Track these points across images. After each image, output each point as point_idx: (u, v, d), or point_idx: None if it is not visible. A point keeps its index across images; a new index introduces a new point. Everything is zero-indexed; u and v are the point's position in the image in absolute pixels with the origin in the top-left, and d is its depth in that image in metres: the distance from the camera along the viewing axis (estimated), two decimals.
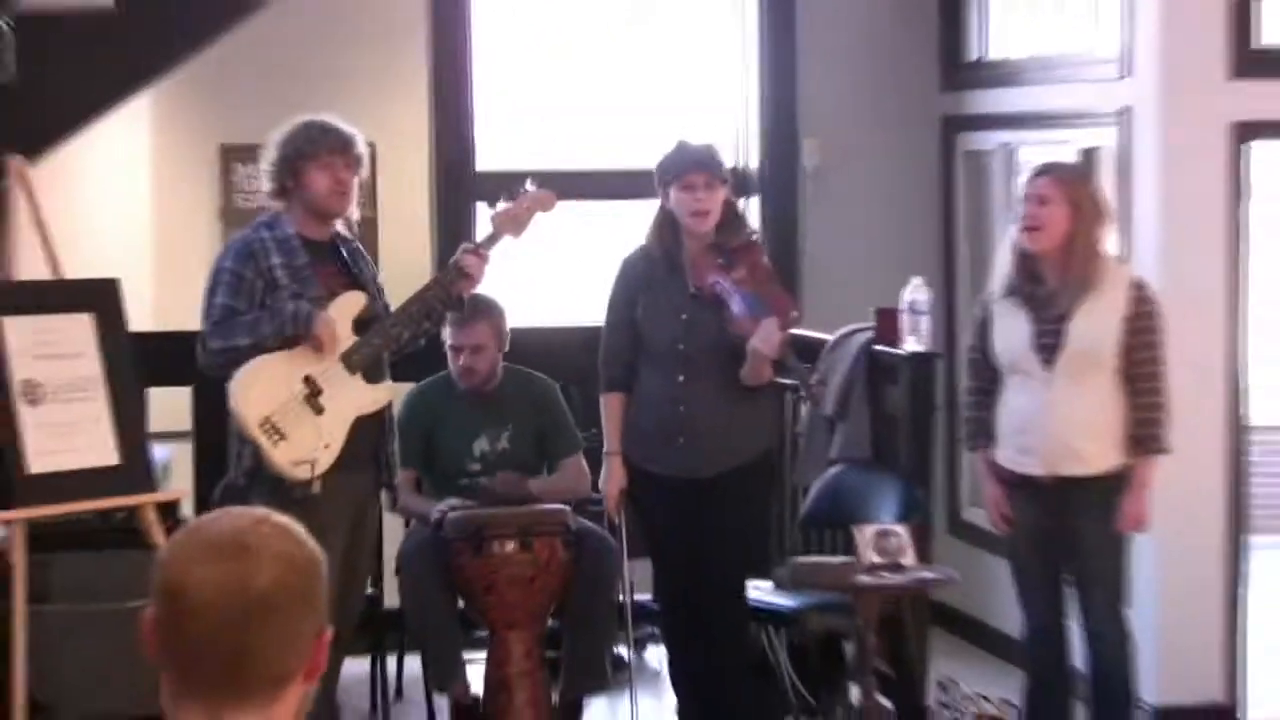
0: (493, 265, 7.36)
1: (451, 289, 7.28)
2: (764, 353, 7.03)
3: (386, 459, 7.37)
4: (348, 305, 7.11)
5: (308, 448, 6.89)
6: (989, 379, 7.44)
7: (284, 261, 7.01)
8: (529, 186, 7.43)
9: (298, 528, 2.65)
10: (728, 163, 7.73)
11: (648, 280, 7.40)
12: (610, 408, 7.50)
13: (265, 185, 7.20)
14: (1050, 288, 7.21)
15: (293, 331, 6.92)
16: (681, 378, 7.30)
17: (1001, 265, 7.40)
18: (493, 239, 7.32)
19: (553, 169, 9.51)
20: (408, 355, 7.45)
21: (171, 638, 2.58)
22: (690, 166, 7.24)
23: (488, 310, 7.94)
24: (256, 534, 2.59)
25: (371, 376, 7.14)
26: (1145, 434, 7.17)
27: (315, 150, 7.08)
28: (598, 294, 7.67)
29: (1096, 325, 7.16)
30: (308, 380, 6.95)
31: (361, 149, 7.19)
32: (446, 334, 7.91)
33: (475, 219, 9.62)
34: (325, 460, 6.91)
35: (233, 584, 2.54)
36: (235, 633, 2.55)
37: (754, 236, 7.60)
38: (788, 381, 7.40)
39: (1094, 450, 7.21)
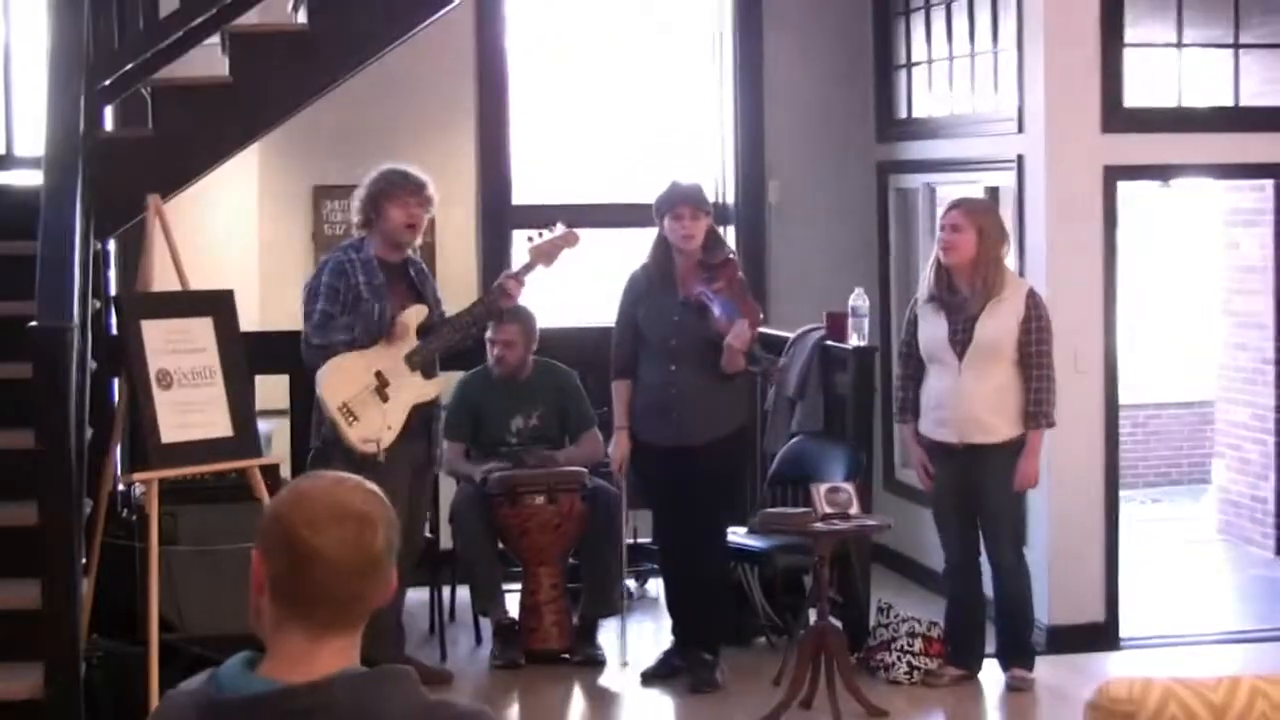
0: (527, 288, 7.47)
1: (494, 306, 7.45)
2: (736, 347, 7.07)
3: (435, 434, 7.47)
4: (412, 316, 7.21)
5: (375, 428, 7.03)
6: (915, 366, 7.45)
7: (366, 280, 7.13)
8: (560, 227, 7.45)
9: (382, 492, 2.62)
10: (710, 198, 7.72)
11: (647, 291, 7.40)
12: (619, 392, 7.48)
13: (354, 216, 7.26)
14: (963, 295, 7.21)
15: (377, 331, 7.05)
16: (673, 367, 7.29)
17: (925, 279, 7.41)
18: (528, 268, 7.43)
19: (572, 203, 9.49)
20: (455, 354, 7.52)
21: (296, 585, 2.54)
22: (679, 201, 7.27)
23: (520, 316, 7.92)
24: (368, 503, 2.56)
25: (427, 374, 7.28)
26: (1037, 411, 7.19)
27: (395, 191, 7.18)
28: (608, 302, 7.68)
29: (998, 326, 7.17)
30: (378, 375, 7.10)
31: (432, 192, 7.28)
32: (487, 330, 7.91)
33: (512, 243, 9.58)
34: (387, 439, 7.06)
35: (357, 547, 2.52)
36: (355, 582, 2.54)
37: (731, 255, 7.60)
38: (756, 370, 7.38)
39: (996, 423, 7.22)
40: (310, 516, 2.54)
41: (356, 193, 7.28)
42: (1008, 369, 7.20)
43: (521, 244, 7.65)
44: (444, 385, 7.53)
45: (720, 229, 9.63)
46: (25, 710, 5.61)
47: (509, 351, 7.97)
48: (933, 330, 7.31)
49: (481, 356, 8.05)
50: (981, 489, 7.27)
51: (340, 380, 7.03)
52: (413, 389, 7.18)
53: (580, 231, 7.54)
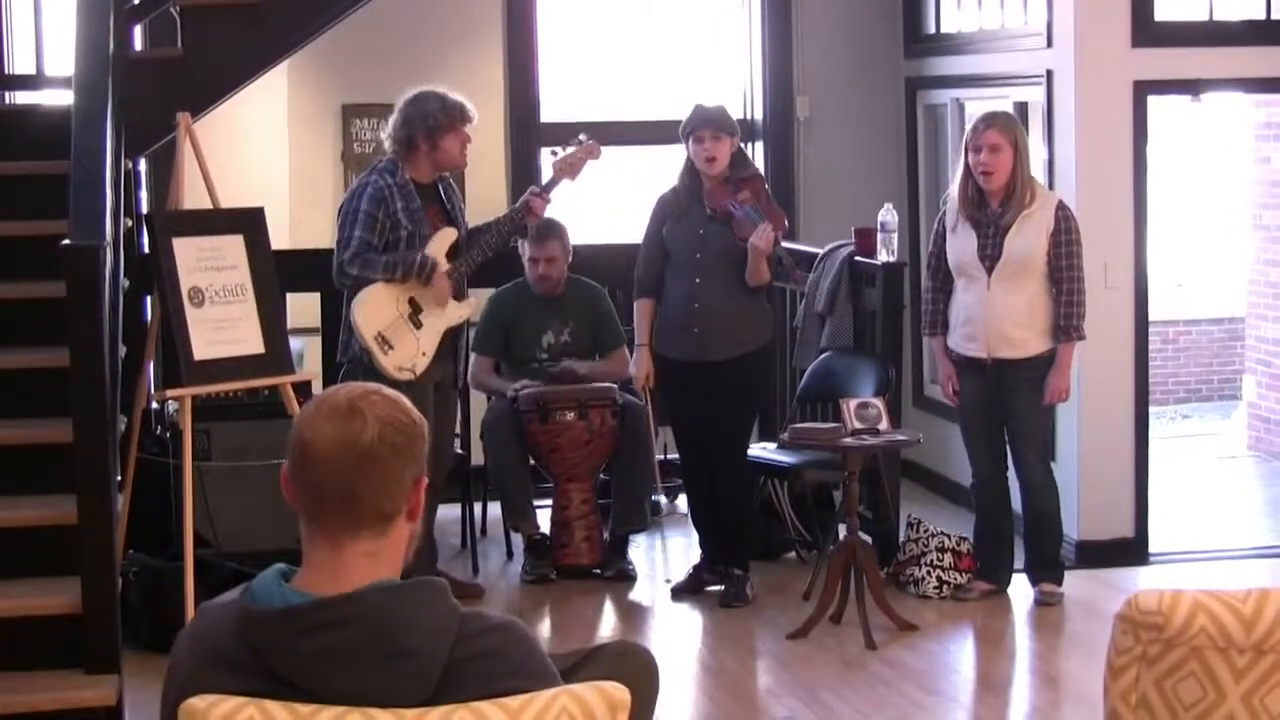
0: (553, 203, 7.46)
1: (520, 222, 7.45)
2: (760, 248, 7.08)
3: (459, 350, 7.51)
4: (443, 240, 7.24)
5: (409, 356, 7.10)
6: (943, 280, 7.43)
7: (404, 206, 7.12)
8: (581, 139, 7.47)
9: (402, 397, 2.68)
10: (736, 115, 7.69)
11: (675, 209, 7.40)
12: (641, 310, 7.50)
13: (395, 140, 7.22)
14: (993, 210, 7.18)
15: (417, 278, 7.07)
16: (698, 280, 7.31)
17: (952, 192, 7.36)
18: (553, 183, 7.45)
19: (600, 120, 9.46)
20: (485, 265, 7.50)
21: (299, 483, 2.62)
22: (700, 124, 7.27)
23: (558, 231, 7.93)
24: (367, 401, 2.62)
25: (458, 296, 7.30)
26: (1067, 324, 7.17)
27: (452, 121, 7.20)
28: (637, 219, 7.66)
29: (1028, 240, 7.15)
30: (411, 301, 7.15)
31: (475, 116, 7.22)
32: (525, 249, 7.90)
33: (539, 160, 9.55)
34: (421, 365, 7.13)
35: (344, 439, 2.57)
36: (346, 477, 2.58)
37: (758, 170, 7.58)
38: (781, 276, 7.38)
39: (1025, 337, 7.22)
40: (309, 416, 2.62)
41: (394, 118, 7.23)
42: (1037, 283, 7.18)
43: (548, 161, 7.64)
44: (475, 306, 7.55)
45: (749, 145, 9.73)
46: (63, 623, 5.65)
47: (551, 268, 7.96)
48: (962, 244, 7.28)
49: (511, 271, 8.04)
50: (1010, 404, 7.27)
51: (374, 309, 7.04)
52: (445, 313, 7.20)
53: (608, 149, 7.57)
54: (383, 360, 7.00)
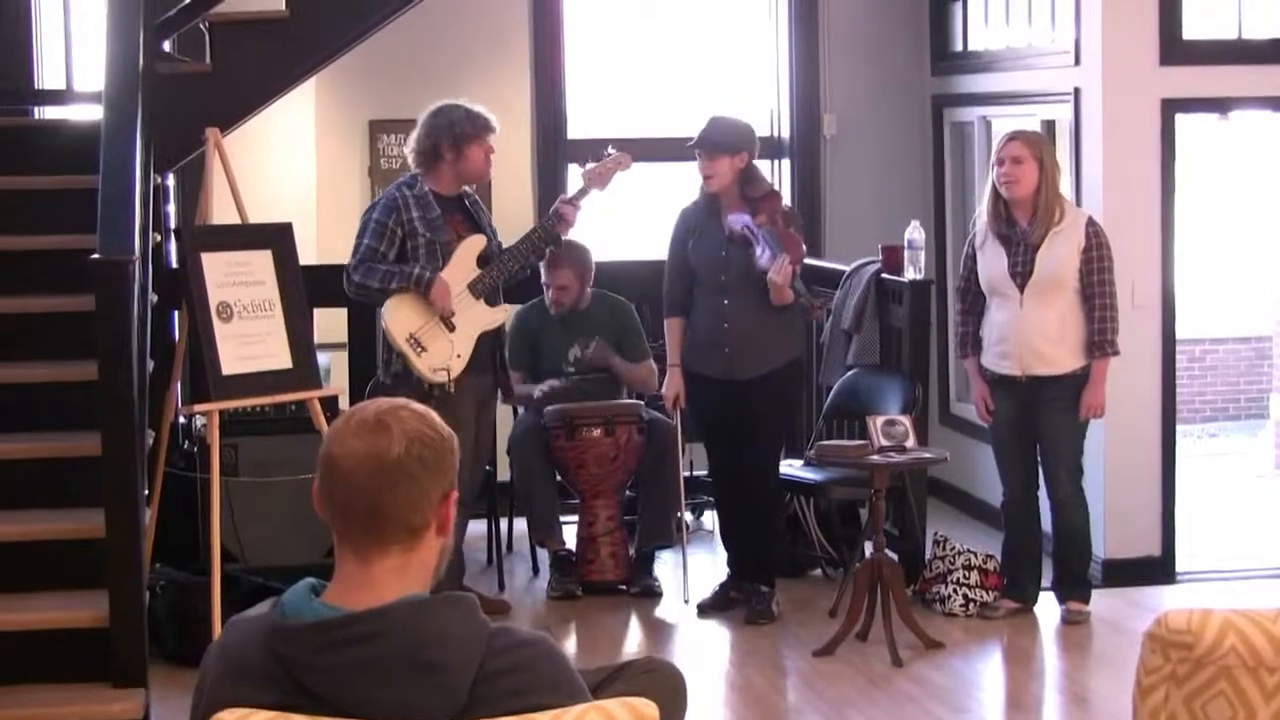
0: (583, 214, 7.47)
1: (552, 232, 7.44)
2: (778, 282, 7.05)
3: (503, 362, 7.49)
4: (472, 245, 7.24)
5: (443, 358, 7.07)
6: (974, 301, 7.43)
7: (420, 215, 7.13)
8: (611, 150, 7.49)
9: (432, 413, 2.68)
10: (763, 133, 7.68)
11: (695, 223, 7.41)
12: (671, 330, 7.50)
13: (418, 152, 7.24)
14: (1022, 228, 7.18)
15: (414, 290, 7.05)
16: (725, 301, 7.31)
17: (981, 213, 7.38)
18: (583, 193, 7.43)
19: (627, 136, 9.46)
20: (517, 282, 7.56)
21: (328, 498, 2.62)
22: (695, 142, 7.31)
23: (574, 256, 7.95)
24: (395, 416, 2.62)
25: (491, 301, 7.30)
26: (1101, 340, 7.16)
27: (477, 131, 7.21)
28: (663, 235, 7.63)
29: (1059, 256, 7.14)
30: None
31: (498, 127, 7.26)
32: (541, 271, 7.92)
33: (566, 176, 9.57)
34: (456, 367, 7.10)
35: (371, 454, 2.57)
36: (372, 492, 2.58)
37: (773, 188, 7.57)
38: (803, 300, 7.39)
39: (1058, 354, 7.21)
40: (338, 431, 2.63)
41: (417, 131, 7.25)
42: (1069, 299, 7.17)
43: (575, 175, 7.66)
44: (509, 313, 7.57)
45: (775, 163, 9.75)
46: (91, 637, 5.67)
47: (563, 294, 7.99)
48: (993, 263, 7.28)
49: (537, 289, 8.06)
50: (1042, 421, 7.25)
51: (405, 313, 7.06)
52: (478, 317, 7.20)
53: (635, 165, 7.56)
54: (417, 363, 7.02)
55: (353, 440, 2.59)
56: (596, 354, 7.94)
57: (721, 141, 7.25)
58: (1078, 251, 7.14)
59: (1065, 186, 7.71)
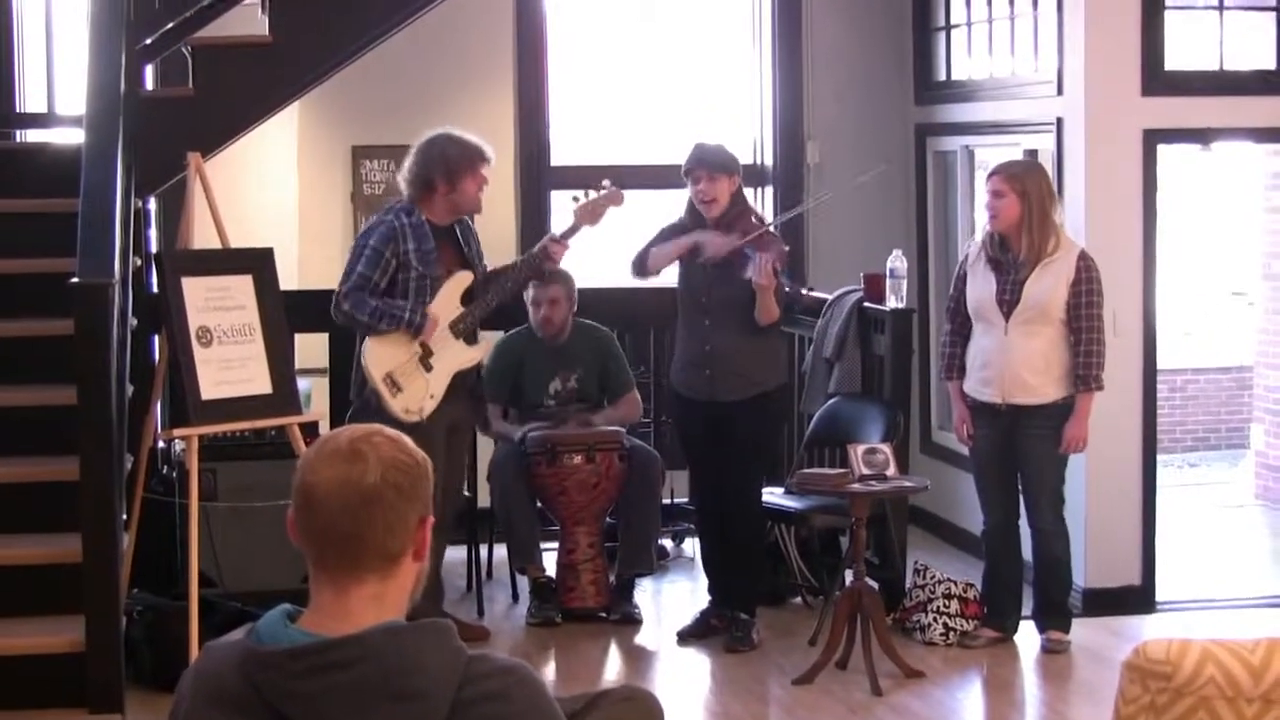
0: (570, 250, 7.45)
1: (537, 267, 7.46)
2: (761, 283, 7.03)
3: (480, 395, 7.51)
4: (459, 282, 7.24)
5: (418, 398, 7.08)
6: (961, 324, 7.43)
7: (416, 247, 7.08)
8: (605, 184, 7.43)
9: (405, 438, 2.64)
10: (746, 161, 7.68)
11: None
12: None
13: (411, 183, 7.17)
14: (1015, 255, 7.18)
15: (405, 331, 7.04)
16: (708, 322, 7.30)
17: (977, 238, 7.38)
18: (573, 229, 7.42)
19: (610, 164, 9.46)
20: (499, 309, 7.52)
21: (303, 527, 2.59)
22: (694, 164, 7.29)
23: (561, 275, 7.91)
24: (369, 443, 2.58)
25: (470, 340, 7.30)
26: (1086, 374, 7.16)
27: (471, 162, 7.17)
28: None
29: (1047, 287, 7.15)
30: (423, 344, 7.13)
31: (492, 157, 7.21)
32: (528, 293, 7.89)
33: (549, 203, 9.57)
34: (429, 408, 7.11)
35: (345, 481, 2.54)
36: (348, 520, 2.55)
37: (745, 204, 7.48)
38: (788, 292, 7.35)
39: (1040, 384, 7.21)
40: (311, 459, 2.60)
41: (409, 161, 7.20)
42: (1055, 330, 7.17)
43: (560, 205, 7.63)
44: (485, 350, 7.55)
45: (759, 191, 9.75)
46: (66, 662, 5.65)
47: (554, 311, 7.95)
48: (981, 288, 7.28)
49: (520, 317, 8.04)
50: (1023, 450, 7.25)
51: (385, 350, 7.03)
52: (456, 356, 7.19)
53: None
54: (390, 402, 6.99)
55: (326, 469, 2.57)
56: (575, 422, 7.90)
57: (722, 162, 7.27)
58: (1066, 284, 7.14)
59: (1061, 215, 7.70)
